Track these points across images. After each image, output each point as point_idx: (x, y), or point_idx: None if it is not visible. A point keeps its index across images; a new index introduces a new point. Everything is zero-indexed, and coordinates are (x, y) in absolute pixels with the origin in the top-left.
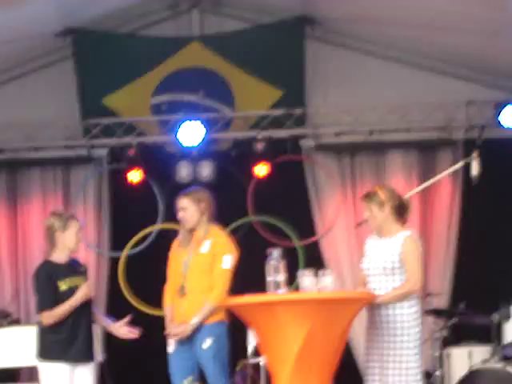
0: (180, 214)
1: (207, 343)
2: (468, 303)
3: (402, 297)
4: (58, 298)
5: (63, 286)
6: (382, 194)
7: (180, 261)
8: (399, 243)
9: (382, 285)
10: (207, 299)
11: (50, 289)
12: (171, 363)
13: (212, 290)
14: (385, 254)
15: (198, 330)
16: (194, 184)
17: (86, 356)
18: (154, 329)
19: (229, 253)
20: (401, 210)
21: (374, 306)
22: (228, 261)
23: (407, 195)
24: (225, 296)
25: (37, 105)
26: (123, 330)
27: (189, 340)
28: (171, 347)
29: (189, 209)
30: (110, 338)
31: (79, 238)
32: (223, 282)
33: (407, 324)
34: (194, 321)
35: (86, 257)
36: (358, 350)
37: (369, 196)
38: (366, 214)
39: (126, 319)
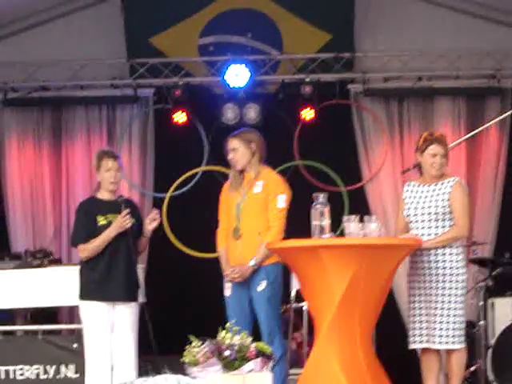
0: (230, 156)
1: (262, 285)
2: None
3: (451, 241)
4: (96, 232)
5: (102, 221)
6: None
7: (232, 203)
8: (449, 188)
9: (431, 231)
10: (264, 240)
11: (85, 222)
12: (229, 306)
13: (268, 230)
14: (436, 200)
15: (254, 271)
16: (240, 126)
17: (124, 295)
18: (195, 270)
19: (283, 192)
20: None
21: (419, 253)
22: (283, 200)
23: (454, 143)
24: (282, 235)
25: (83, 43)
26: (146, 222)
27: (245, 282)
28: (228, 291)
29: (239, 150)
30: (152, 283)
31: (113, 175)
32: (279, 221)
33: (456, 271)
34: (253, 262)
35: (130, 197)
36: (401, 298)
37: (443, 140)
38: (437, 158)
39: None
